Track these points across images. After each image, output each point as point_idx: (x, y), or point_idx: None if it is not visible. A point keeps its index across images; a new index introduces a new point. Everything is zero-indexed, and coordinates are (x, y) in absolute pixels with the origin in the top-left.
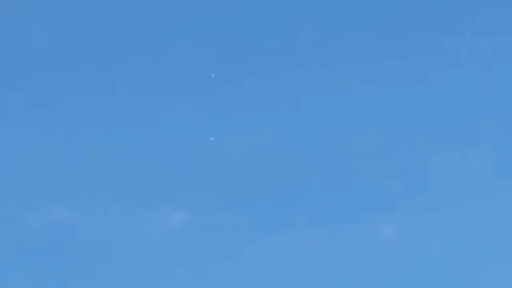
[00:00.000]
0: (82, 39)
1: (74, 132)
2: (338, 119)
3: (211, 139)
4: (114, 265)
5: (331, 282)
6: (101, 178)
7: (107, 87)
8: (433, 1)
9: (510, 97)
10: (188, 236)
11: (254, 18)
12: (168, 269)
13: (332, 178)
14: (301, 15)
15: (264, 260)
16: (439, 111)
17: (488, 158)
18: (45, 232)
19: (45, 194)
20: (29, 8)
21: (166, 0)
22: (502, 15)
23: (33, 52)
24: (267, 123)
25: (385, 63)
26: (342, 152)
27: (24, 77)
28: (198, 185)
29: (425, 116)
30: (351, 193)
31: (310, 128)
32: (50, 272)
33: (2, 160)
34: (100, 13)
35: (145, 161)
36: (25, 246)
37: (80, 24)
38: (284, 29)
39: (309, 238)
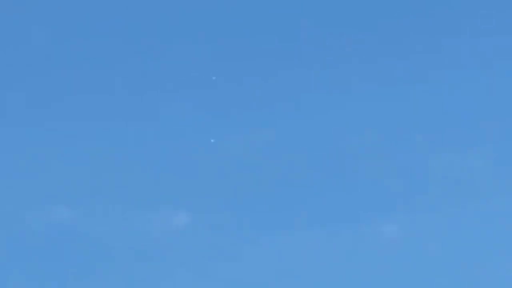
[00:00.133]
0: (82, 39)
1: (74, 132)
2: (338, 119)
3: (212, 141)
4: (115, 265)
5: (334, 282)
6: (101, 178)
7: (107, 87)
8: (433, 1)
9: (510, 97)
10: (189, 236)
11: (254, 18)
12: (168, 269)
13: (333, 178)
14: (301, 15)
15: (265, 260)
16: (439, 111)
17: (488, 158)
18: (45, 232)
19: (45, 194)
20: (29, 8)
21: (166, 0)
22: (502, 15)
23: (33, 52)
24: (267, 123)
25: (385, 63)
26: (342, 152)
27: (24, 77)
28: (198, 185)
29: (425, 116)
30: (352, 193)
31: (310, 128)
32: (50, 272)
33: (2, 160)
34: (100, 13)
35: (145, 161)
36: (25, 246)
37: (80, 24)
38: (284, 29)
39: (311, 238)
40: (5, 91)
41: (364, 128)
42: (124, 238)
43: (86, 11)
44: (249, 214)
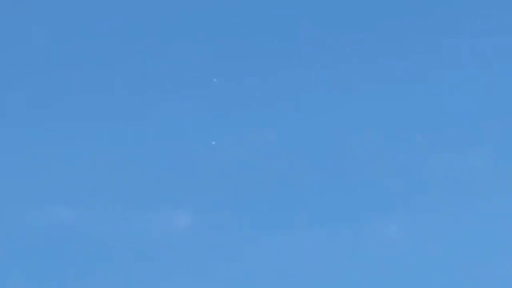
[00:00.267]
0: (82, 39)
1: (74, 132)
2: (338, 119)
3: (213, 143)
4: (115, 266)
5: (335, 282)
6: (101, 178)
7: (107, 87)
8: (433, 1)
9: (510, 97)
10: (190, 237)
11: (254, 18)
12: (169, 269)
13: (333, 178)
14: (301, 15)
15: (266, 260)
16: (439, 111)
17: (489, 158)
18: (45, 232)
19: (45, 194)
20: (29, 8)
21: (166, 0)
22: (502, 15)
23: (33, 52)
24: (267, 123)
25: (385, 63)
26: (343, 152)
27: (24, 77)
28: (199, 185)
29: (425, 116)
30: (352, 193)
31: (310, 128)
32: (50, 272)
33: (2, 160)
34: (100, 13)
35: (145, 161)
36: (25, 246)
37: (80, 24)
38: (284, 29)
39: (312, 238)
40: (5, 91)
41: (364, 128)
42: (124, 238)
43: (86, 11)
44: (250, 214)
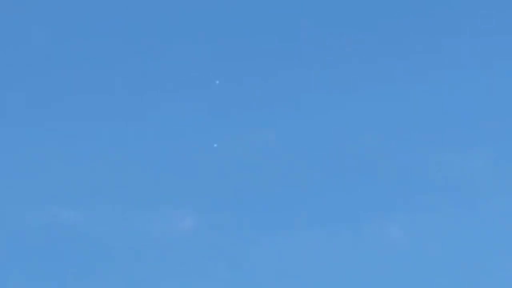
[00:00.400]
0: (82, 39)
1: (74, 132)
2: (339, 119)
3: (215, 145)
4: (116, 266)
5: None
6: (102, 178)
7: (107, 87)
8: (433, 1)
9: (510, 97)
10: (191, 238)
11: (254, 18)
12: (170, 270)
13: (336, 178)
14: (301, 15)
15: (268, 261)
16: (439, 111)
17: (490, 158)
18: (45, 232)
19: (45, 194)
20: (29, 8)
21: (166, 0)
22: (502, 15)
23: (33, 52)
24: (268, 123)
25: (385, 63)
26: (344, 152)
27: (24, 77)
28: (200, 185)
29: (426, 116)
30: (355, 193)
31: (311, 128)
32: (50, 272)
33: (2, 160)
34: (100, 13)
35: (146, 161)
36: (25, 246)
37: (80, 24)
38: (284, 29)
39: (314, 239)
40: (5, 91)
41: (364, 128)
42: (125, 238)
43: (86, 11)
44: (251, 215)
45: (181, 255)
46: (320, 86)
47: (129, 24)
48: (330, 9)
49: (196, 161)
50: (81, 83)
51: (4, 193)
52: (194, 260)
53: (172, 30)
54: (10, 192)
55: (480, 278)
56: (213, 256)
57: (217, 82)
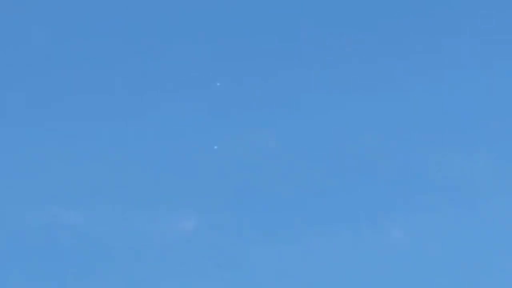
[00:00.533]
0: (82, 39)
1: (74, 132)
2: (340, 119)
3: (215, 147)
4: (116, 267)
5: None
6: (102, 178)
7: (107, 87)
8: (433, 1)
9: (510, 97)
10: (193, 239)
11: (254, 18)
12: (171, 271)
13: (337, 180)
14: (301, 15)
15: (269, 263)
16: (440, 111)
17: (490, 158)
18: (45, 232)
19: (45, 194)
20: (29, 8)
21: (166, 0)
22: (502, 15)
23: (33, 52)
24: (268, 124)
25: (385, 63)
26: (345, 152)
27: (24, 77)
28: (202, 187)
29: (426, 116)
30: (356, 194)
31: (312, 128)
32: (50, 273)
33: (2, 160)
34: (100, 13)
35: (146, 161)
36: (25, 246)
37: (80, 24)
38: (284, 29)
39: (315, 240)
40: (5, 91)
41: (365, 128)
42: (125, 239)
43: (86, 11)
44: (253, 216)
45: (181, 256)
46: (320, 86)
47: (129, 24)
48: (330, 9)
49: (197, 162)
50: (81, 83)
51: (4, 193)
52: (194, 261)
53: (172, 30)
54: (10, 192)
55: (481, 278)
56: (213, 257)
57: (218, 84)
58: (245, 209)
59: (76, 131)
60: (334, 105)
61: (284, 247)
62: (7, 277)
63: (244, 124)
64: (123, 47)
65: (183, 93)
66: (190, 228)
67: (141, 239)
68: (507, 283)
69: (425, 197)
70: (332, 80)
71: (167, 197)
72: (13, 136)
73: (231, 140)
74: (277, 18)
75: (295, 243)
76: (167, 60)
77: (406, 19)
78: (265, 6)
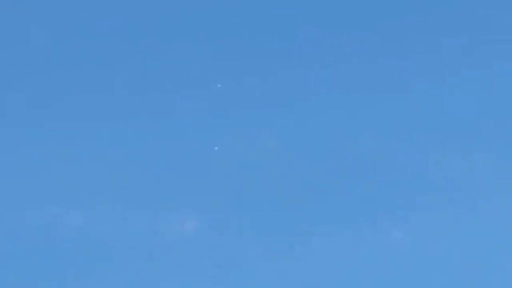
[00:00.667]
0: (82, 39)
1: (74, 132)
2: (340, 119)
3: (216, 148)
4: (116, 267)
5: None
6: (102, 178)
7: (107, 87)
8: (433, 1)
9: (510, 97)
10: (194, 239)
11: (254, 18)
12: (172, 272)
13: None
14: (301, 15)
15: (269, 263)
16: (440, 111)
17: (491, 158)
18: (45, 232)
19: (45, 194)
20: (29, 8)
21: (166, 0)
22: (501, 15)
23: (33, 52)
24: (269, 124)
25: (385, 63)
26: (345, 153)
27: (24, 77)
28: (203, 187)
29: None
30: (356, 194)
31: (312, 129)
32: (50, 273)
33: (2, 160)
34: (100, 13)
35: (146, 161)
36: (25, 246)
37: (80, 24)
38: (284, 29)
39: (316, 240)
40: (5, 91)
41: (365, 128)
42: (126, 239)
43: (86, 11)
44: (254, 216)
45: (182, 256)
46: (320, 86)
47: (129, 24)
48: (330, 9)
49: (198, 162)
50: (81, 83)
51: (4, 193)
52: (195, 261)
53: (172, 30)
54: (10, 192)
55: (481, 278)
56: (214, 257)
57: (219, 85)
58: (245, 209)
59: (76, 131)
60: (334, 105)
61: (284, 247)
62: (7, 277)
63: (244, 124)
64: (123, 47)
65: (183, 93)
66: (191, 228)
67: (141, 240)
68: (507, 283)
69: (425, 197)
70: (332, 80)
71: (167, 197)
72: (13, 136)
73: (231, 140)
74: (277, 18)
75: (295, 243)
76: (167, 60)
77: (406, 19)
78: (265, 6)
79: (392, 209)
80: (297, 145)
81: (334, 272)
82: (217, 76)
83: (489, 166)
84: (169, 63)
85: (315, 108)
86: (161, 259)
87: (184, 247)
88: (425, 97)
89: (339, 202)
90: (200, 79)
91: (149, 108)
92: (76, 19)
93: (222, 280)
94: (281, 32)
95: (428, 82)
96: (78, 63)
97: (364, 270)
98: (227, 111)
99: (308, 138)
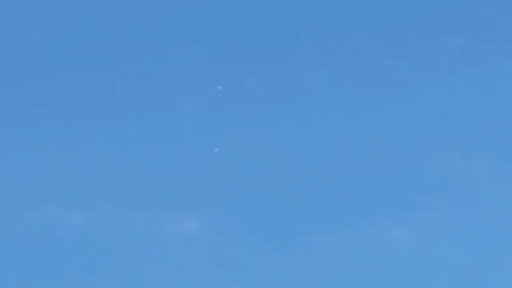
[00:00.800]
0: (82, 39)
1: (74, 132)
2: (340, 119)
3: (216, 150)
4: (116, 268)
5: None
6: (102, 178)
7: (107, 87)
8: (433, 1)
9: (510, 97)
10: (194, 240)
11: (254, 18)
12: (172, 272)
13: (338, 180)
14: (301, 15)
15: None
16: (440, 111)
17: (491, 158)
18: (45, 232)
19: (45, 194)
20: (29, 8)
21: (166, 0)
22: (501, 15)
23: (33, 52)
24: (269, 124)
25: (385, 63)
26: (345, 153)
27: (24, 77)
28: (203, 188)
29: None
30: (356, 194)
31: (312, 129)
32: (50, 273)
33: (2, 160)
34: (100, 13)
35: (147, 162)
36: (25, 246)
37: (80, 24)
38: (284, 29)
39: (316, 241)
40: (5, 91)
41: (365, 128)
42: (126, 240)
43: (86, 11)
44: (255, 217)
45: (182, 257)
46: (320, 86)
47: (129, 24)
48: (330, 9)
49: (198, 162)
50: (81, 83)
51: (4, 193)
52: (195, 261)
53: (172, 30)
54: (10, 192)
55: (481, 278)
56: (214, 257)
57: (220, 87)
58: (246, 209)
59: (76, 131)
60: (334, 105)
61: (285, 247)
62: (7, 277)
63: (244, 124)
64: (123, 47)
65: (183, 93)
66: (191, 228)
67: (141, 240)
68: (507, 283)
69: (425, 197)
70: (332, 80)
71: (167, 197)
72: (13, 136)
73: (231, 140)
74: (277, 18)
75: (296, 244)
76: (167, 60)
77: (406, 19)
78: (265, 6)
79: (392, 209)
80: (297, 145)
81: (334, 272)
82: (217, 76)
83: (489, 166)
84: (169, 63)
85: (315, 108)
86: (161, 259)
87: (184, 247)
88: (425, 97)
89: (339, 202)
90: (200, 79)
91: (149, 108)
92: (76, 19)
93: (222, 280)
94: (281, 32)
95: (428, 82)
96: (78, 63)
97: (364, 270)
98: (227, 111)
99: (308, 138)
